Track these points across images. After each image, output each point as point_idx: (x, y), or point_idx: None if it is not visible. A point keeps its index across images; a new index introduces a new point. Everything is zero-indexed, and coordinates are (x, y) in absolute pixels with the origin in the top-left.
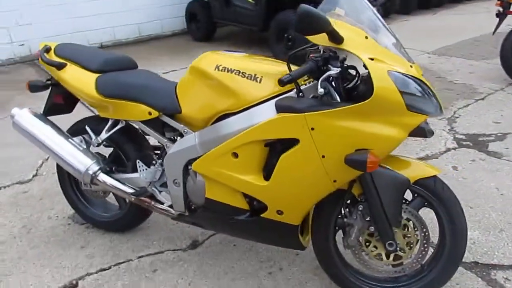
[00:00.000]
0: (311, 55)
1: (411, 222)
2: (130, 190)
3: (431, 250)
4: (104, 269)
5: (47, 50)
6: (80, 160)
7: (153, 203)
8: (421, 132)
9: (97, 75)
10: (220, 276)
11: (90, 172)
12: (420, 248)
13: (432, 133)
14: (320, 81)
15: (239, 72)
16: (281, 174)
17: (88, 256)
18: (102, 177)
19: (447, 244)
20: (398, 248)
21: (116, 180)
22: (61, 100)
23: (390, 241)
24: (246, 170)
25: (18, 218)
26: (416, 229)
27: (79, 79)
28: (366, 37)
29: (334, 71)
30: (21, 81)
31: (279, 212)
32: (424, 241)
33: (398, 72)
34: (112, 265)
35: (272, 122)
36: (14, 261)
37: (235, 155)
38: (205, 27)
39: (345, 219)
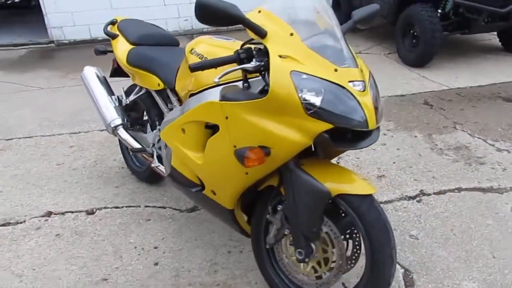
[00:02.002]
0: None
1: (329, 237)
2: (137, 146)
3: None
4: (117, 207)
5: (112, 22)
6: (109, 113)
7: (152, 161)
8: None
9: (131, 47)
10: (189, 240)
11: (112, 125)
12: (336, 267)
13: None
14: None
15: (203, 57)
16: (208, 156)
17: (115, 194)
18: (120, 130)
19: (366, 274)
20: (307, 259)
21: (131, 136)
22: (116, 65)
23: (300, 249)
24: (190, 146)
25: (96, 154)
26: (333, 246)
27: (120, 49)
28: (291, 34)
29: (250, 65)
30: None
31: (213, 192)
32: (340, 261)
33: (306, 73)
34: (124, 206)
35: (202, 106)
36: (69, 183)
37: (183, 130)
38: (347, 16)
39: (267, 216)
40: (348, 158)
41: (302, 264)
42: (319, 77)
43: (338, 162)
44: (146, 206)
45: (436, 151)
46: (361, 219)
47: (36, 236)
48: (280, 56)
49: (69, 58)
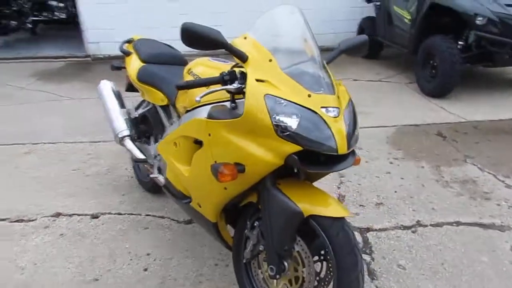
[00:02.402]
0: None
1: (300, 257)
2: (141, 157)
3: None
4: (120, 214)
5: (129, 41)
6: (118, 124)
7: (151, 171)
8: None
9: (142, 64)
10: (181, 250)
11: (120, 135)
12: (305, 286)
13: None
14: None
15: (197, 77)
16: (193, 169)
17: (120, 202)
18: (126, 141)
19: None
20: (277, 275)
21: (137, 147)
22: (129, 80)
23: (272, 266)
24: (180, 159)
25: (109, 163)
26: (303, 266)
27: (131, 66)
28: (270, 60)
29: (232, 86)
30: None
31: (199, 205)
32: (309, 281)
33: (279, 97)
34: (127, 213)
35: (191, 122)
36: (80, 188)
37: (175, 144)
38: (370, 44)
39: (246, 231)
40: (349, 183)
41: (275, 280)
42: (291, 102)
43: (339, 187)
44: (147, 215)
45: (441, 183)
46: (330, 241)
47: (43, 234)
48: (258, 80)
49: (101, 72)
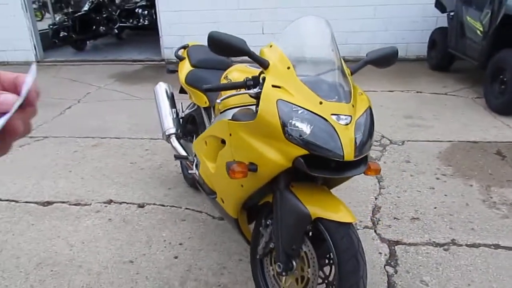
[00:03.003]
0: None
1: (307, 257)
2: (183, 154)
3: None
4: (163, 205)
5: (184, 47)
6: (167, 122)
7: (192, 168)
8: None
9: (191, 68)
10: (210, 243)
11: (167, 133)
12: (310, 286)
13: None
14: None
15: (230, 81)
16: (217, 166)
17: (165, 194)
18: (172, 139)
19: None
20: (284, 273)
21: (181, 145)
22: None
23: (279, 263)
24: (208, 157)
25: (163, 159)
26: (308, 266)
27: (182, 70)
28: (288, 68)
29: (252, 91)
30: None
31: (222, 200)
32: (313, 282)
33: (291, 103)
34: (169, 205)
35: (218, 123)
36: (134, 179)
37: (206, 143)
38: (441, 56)
39: (261, 228)
40: (388, 196)
41: (283, 278)
42: (302, 107)
43: (376, 197)
44: (186, 208)
45: (488, 204)
46: (334, 245)
47: (94, 217)
48: (274, 86)
49: (172, 76)
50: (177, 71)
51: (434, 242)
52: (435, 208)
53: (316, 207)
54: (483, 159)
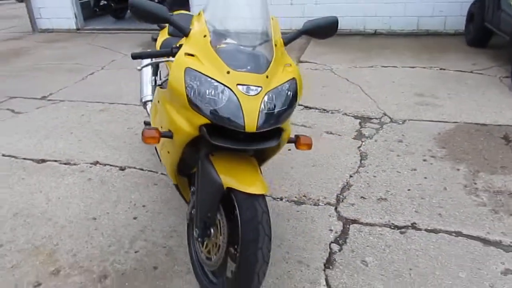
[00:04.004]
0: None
1: (220, 225)
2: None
3: None
4: (142, 169)
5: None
6: (145, 89)
7: None
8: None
9: (167, 37)
10: (171, 208)
11: (143, 99)
12: (221, 255)
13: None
14: None
15: None
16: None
17: (148, 159)
18: (148, 105)
19: (236, 266)
20: (200, 238)
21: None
22: None
23: (196, 228)
24: (153, 123)
25: None
26: (220, 234)
27: (160, 38)
28: (205, 36)
29: (172, 59)
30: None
31: (165, 167)
32: (224, 248)
33: (198, 71)
34: (147, 170)
35: (157, 89)
36: (125, 143)
37: (155, 109)
38: (477, 30)
39: (192, 195)
40: (364, 174)
41: (203, 243)
42: (208, 76)
43: (351, 175)
44: (162, 174)
45: (468, 190)
46: (240, 214)
47: (77, 176)
48: (187, 54)
49: None
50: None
51: (392, 224)
52: (409, 190)
53: (230, 178)
54: (485, 143)
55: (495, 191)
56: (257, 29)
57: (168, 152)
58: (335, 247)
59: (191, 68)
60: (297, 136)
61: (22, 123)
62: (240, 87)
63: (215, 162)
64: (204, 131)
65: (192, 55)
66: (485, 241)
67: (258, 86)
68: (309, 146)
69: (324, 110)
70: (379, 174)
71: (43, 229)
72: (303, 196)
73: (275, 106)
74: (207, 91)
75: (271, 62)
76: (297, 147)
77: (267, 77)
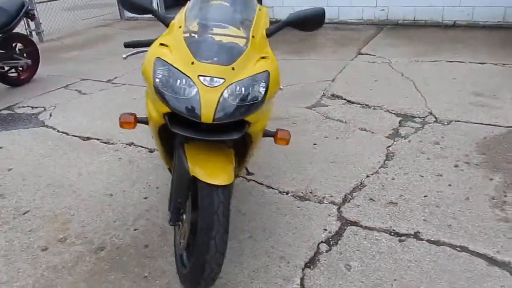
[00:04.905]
0: None
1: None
2: None
3: None
4: None
5: None
6: None
7: None
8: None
9: None
10: None
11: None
12: (186, 241)
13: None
14: None
15: None
16: None
17: None
18: None
19: (190, 253)
20: (171, 222)
21: None
22: None
23: (169, 211)
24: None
25: None
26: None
27: None
28: (180, 27)
29: None
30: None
31: None
32: (188, 234)
33: (166, 61)
34: None
35: None
36: None
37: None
38: None
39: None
40: (383, 176)
41: (179, 228)
42: (173, 66)
43: (368, 175)
44: None
45: (494, 203)
46: (199, 203)
47: (110, 154)
48: (162, 44)
49: None
50: None
51: (393, 230)
52: (425, 196)
53: (196, 167)
54: None
55: None
56: (233, 21)
57: (152, 137)
58: (323, 247)
59: (160, 58)
60: (276, 131)
61: (84, 103)
62: (202, 78)
63: (188, 151)
64: (166, 119)
65: (165, 45)
66: (491, 261)
67: (221, 78)
68: (287, 141)
69: (367, 105)
70: (399, 177)
71: (67, 200)
72: (310, 192)
73: (238, 99)
74: (171, 80)
75: (242, 54)
76: (275, 142)
77: (233, 69)
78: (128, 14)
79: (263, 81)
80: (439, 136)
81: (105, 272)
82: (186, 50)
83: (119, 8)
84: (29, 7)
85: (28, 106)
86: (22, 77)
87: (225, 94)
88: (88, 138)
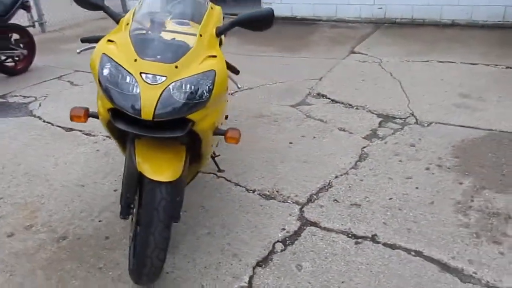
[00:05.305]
0: None
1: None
2: None
3: None
4: None
5: None
6: None
7: None
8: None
9: None
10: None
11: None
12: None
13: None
14: None
15: None
16: None
17: None
18: None
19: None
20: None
21: None
22: None
23: (120, 204)
24: None
25: None
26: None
27: None
28: (127, 24)
29: None
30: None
31: None
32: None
33: (110, 57)
34: None
35: None
36: None
37: None
38: None
39: None
40: (352, 177)
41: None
42: (116, 62)
43: (337, 176)
44: None
45: (459, 207)
46: (143, 197)
47: (89, 146)
48: (109, 40)
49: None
50: None
51: (351, 232)
52: (390, 199)
53: (144, 162)
54: None
55: (492, 212)
56: (181, 19)
57: (106, 130)
58: (279, 246)
59: (105, 54)
60: (227, 129)
61: (73, 95)
62: (144, 75)
63: (137, 146)
64: (109, 115)
65: (113, 41)
66: (444, 266)
67: (163, 76)
68: (236, 140)
69: (350, 105)
70: (368, 178)
71: (39, 189)
72: (276, 191)
73: (180, 97)
74: (115, 76)
75: (186, 52)
76: (225, 140)
77: (176, 67)
78: (131, 6)
79: (208, 80)
80: (416, 138)
81: (62, 261)
82: (131, 47)
83: (121, 1)
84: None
85: (20, 96)
86: (18, 67)
87: (166, 92)
88: (71, 129)
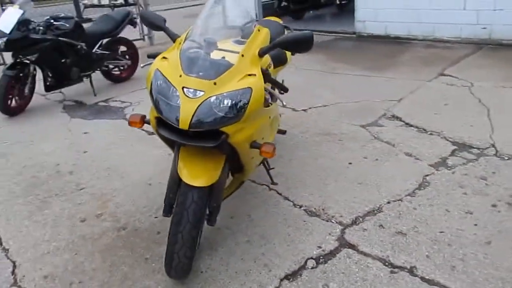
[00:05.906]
0: None
1: None
2: None
3: None
4: None
5: None
6: None
7: None
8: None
9: None
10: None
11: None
12: None
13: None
14: None
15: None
16: None
17: None
18: None
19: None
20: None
21: None
22: None
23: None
24: None
25: None
26: None
27: None
28: (180, 43)
29: None
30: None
31: None
32: None
33: (161, 73)
34: None
35: None
36: None
37: None
38: None
39: None
40: (406, 204)
41: None
42: (165, 77)
43: (389, 202)
44: None
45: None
46: (178, 199)
47: (162, 150)
48: (164, 57)
49: (344, 49)
50: None
51: (388, 261)
52: (441, 232)
53: (184, 168)
54: None
55: None
56: (225, 39)
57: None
58: (311, 263)
59: (158, 69)
60: (262, 144)
61: None
62: (185, 89)
63: (181, 153)
64: (154, 122)
65: (166, 58)
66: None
67: (201, 91)
68: (270, 154)
69: (424, 129)
70: (422, 208)
71: (115, 183)
72: (322, 209)
73: (215, 110)
74: (163, 89)
75: (226, 70)
76: (260, 154)
77: (214, 83)
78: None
79: (244, 97)
80: (490, 171)
81: (118, 248)
82: (178, 64)
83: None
84: (133, 16)
85: (119, 101)
86: (123, 75)
87: (202, 105)
88: (153, 133)
